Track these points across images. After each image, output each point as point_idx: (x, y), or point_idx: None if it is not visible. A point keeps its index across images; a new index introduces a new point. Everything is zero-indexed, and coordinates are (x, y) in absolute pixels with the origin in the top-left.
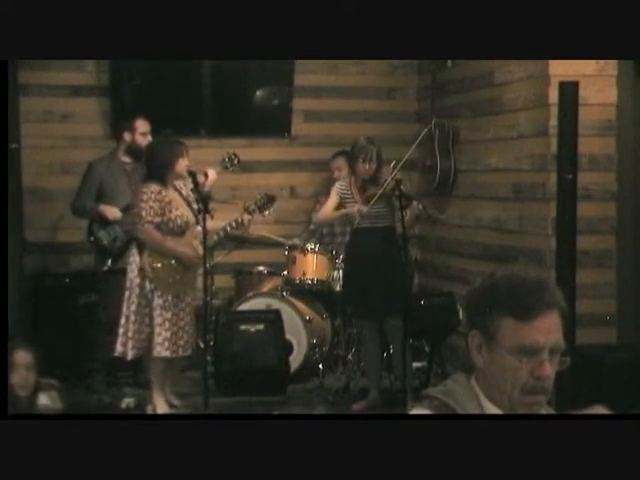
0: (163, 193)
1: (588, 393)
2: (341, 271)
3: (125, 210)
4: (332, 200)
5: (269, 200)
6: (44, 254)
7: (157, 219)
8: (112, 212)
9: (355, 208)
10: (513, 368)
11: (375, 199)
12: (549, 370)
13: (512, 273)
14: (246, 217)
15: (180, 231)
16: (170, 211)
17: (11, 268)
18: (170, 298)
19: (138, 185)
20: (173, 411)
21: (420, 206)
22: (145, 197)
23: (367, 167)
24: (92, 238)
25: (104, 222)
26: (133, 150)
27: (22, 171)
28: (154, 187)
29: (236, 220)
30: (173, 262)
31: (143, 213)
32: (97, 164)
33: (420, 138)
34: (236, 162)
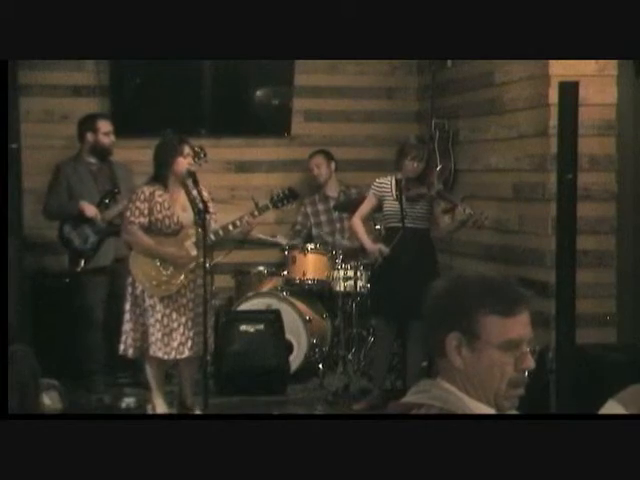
0: (157, 194)
1: (588, 393)
2: (369, 268)
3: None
4: (369, 202)
5: (291, 195)
6: (44, 254)
7: (142, 219)
8: (91, 210)
9: (377, 247)
10: (500, 363)
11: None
12: (531, 361)
13: (480, 274)
14: (247, 217)
15: (170, 231)
16: (159, 211)
17: (11, 268)
18: (157, 299)
19: (105, 185)
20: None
21: (467, 211)
22: (134, 198)
23: (415, 166)
24: (64, 240)
25: (75, 223)
26: (97, 150)
27: (22, 171)
28: (147, 188)
29: (240, 219)
30: (158, 263)
31: (128, 214)
32: (64, 166)
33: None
34: (202, 155)
